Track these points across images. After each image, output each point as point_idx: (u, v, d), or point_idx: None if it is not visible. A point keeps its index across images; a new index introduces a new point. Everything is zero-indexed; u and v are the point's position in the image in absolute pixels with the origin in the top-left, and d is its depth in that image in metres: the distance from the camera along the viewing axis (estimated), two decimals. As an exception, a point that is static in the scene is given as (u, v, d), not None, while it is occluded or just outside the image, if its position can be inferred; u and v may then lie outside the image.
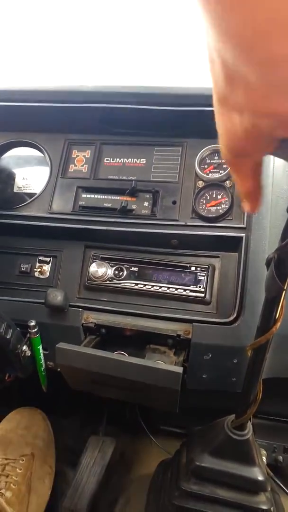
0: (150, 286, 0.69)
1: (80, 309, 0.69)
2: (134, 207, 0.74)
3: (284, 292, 0.41)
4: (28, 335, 0.69)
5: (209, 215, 0.69)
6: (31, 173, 0.88)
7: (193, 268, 0.68)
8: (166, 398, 0.59)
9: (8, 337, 0.64)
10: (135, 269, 0.71)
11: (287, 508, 0.68)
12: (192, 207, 0.70)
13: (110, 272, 0.72)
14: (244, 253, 0.63)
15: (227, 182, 0.70)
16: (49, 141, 0.82)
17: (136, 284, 0.70)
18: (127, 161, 0.78)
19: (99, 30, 1.11)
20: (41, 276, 0.76)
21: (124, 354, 0.66)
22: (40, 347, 0.71)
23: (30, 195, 0.83)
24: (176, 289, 0.68)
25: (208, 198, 0.71)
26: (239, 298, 0.62)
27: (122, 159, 0.79)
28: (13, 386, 1.00)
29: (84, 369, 0.59)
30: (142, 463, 0.97)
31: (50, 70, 1.14)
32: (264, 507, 0.58)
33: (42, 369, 0.74)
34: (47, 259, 0.77)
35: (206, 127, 0.62)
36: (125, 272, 0.71)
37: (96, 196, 0.77)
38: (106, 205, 0.76)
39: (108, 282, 0.71)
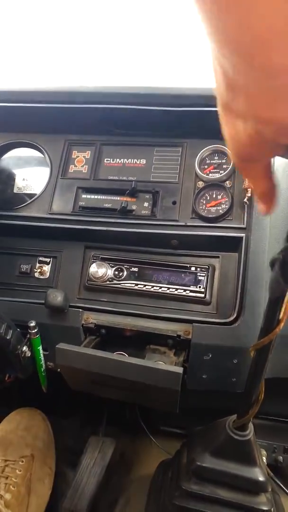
0: (150, 287, 0.69)
1: (80, 310, 0.69)
2: (134, 207, 0.74)
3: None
4: (28, 336, 0.69)
5: (209, 216, 0.69)
6: (31, 173, 0.88)
7: (193, 269, 0.68)
8: (166, 399, 0.59)
9: (8, 337, 0.64)
10: (135, 269, 0.71)
11: (287, 508, 0.68)
12: (192, 207, 0.70)
13: (110, 272, 0.72)
14: (244, 254, 0.63)
15: (227, 182, 0.70)
16: (49, 142, 0.82)
17: (136, 284, 0.70)
18: (127, 162, 0.78)
19: (99, 31, 1.11)
20: (41, 277, 0.76)
21: (124, 355, 0.66)
22: (40, 347, 0.71)
23: (30, 195, 0.83)
24: (176, 289, 0.68)
25: (208, 198, 0.71)
26: (239, 299, 0.62)
27: (122, 160, 0.79)
28: (13, 387, 1.00)
29: (84, 369, 0.59)
30: (142, 464, 0.97)
31: (50, 70, 1.14)
32: (265, 508, 0.58)
33: (42, 369, 0.74)
34: (47, 259, 0.77)
35: (206, 127, 0.63)
36: (125, 273, 0.71)
37: (96, 197, 0.77)
38: (106, 205, 0.76)
39: (108, 282, 0.71)
